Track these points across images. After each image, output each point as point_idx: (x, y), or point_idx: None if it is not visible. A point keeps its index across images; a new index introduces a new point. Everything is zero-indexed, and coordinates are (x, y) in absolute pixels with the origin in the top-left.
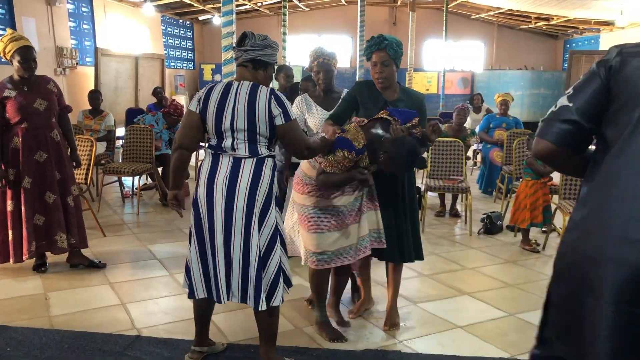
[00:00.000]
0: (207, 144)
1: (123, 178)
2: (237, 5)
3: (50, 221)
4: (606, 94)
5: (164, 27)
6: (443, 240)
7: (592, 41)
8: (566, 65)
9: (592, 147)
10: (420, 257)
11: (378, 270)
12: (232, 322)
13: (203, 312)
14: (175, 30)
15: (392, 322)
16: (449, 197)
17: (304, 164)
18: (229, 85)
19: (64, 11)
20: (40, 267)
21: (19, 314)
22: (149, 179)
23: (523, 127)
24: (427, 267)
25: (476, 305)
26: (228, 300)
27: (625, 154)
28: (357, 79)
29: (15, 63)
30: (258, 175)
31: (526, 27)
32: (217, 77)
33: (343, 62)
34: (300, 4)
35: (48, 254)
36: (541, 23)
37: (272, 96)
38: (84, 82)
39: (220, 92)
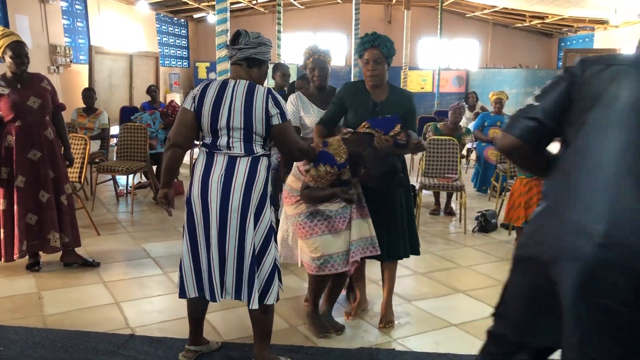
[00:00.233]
0: (201, 143)
1: (117, 176)
2: (231, 3)
3: (44, 220)
4: (568, 97)
5: (158, 25)
6: (438, 239)
7: (587, 39)
8: (561, 63)
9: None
10: (416, 251)
11: (372, 269)
12: (226, 320)
13: (197, 311)
14: (170, 28)
15: (386, 320)
16: (443, 195)
17: (289, 179)
18: (225, 84)
19: (57, 9)
20: (33, 266)
21: (12, 313)
22: (143, 177)
23: None
24: (422, 265)
25: (470, 303)
26: (222, 298)
27: (579, 151)
28: (352, 77)
29: (7, 59)
30: (253, 174)
31: (521, 25)
32: (212, 75)
33: (338, 60)
34: (295, 2)
35: (41, 253)
36: (536, 21)
37: (270, 96)
38: (77, 80)
39: (216, 91)
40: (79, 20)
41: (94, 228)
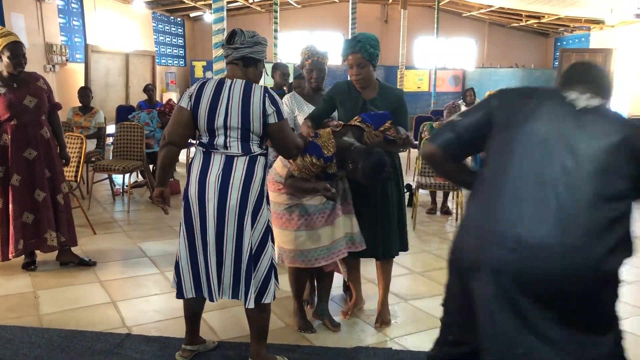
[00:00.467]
0: (197, 142)
1: (113, 175)
2: (228, 2)
3: (40, 219)
4: (488, 119)
5: (154, 24)
6: (434, 238)
7: (583, 39)
8: (557, 63)
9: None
10: (404, 248)
11: (368, 268)
12: (223, 319)
13: (193, 310)
14: (166, 27)
15: (383, 320)
16: (440, 194)
17: (277, 163)
18: (221, 83)
19: (53, 7)
20: (29, 265)
21: (8, 312)
22: (139, 176)
23: None
24: (418, 264)
25: None
26: (220, 297)
27: (498, 165)
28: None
29: (5, 59)
30: (251, 173)
31: (517, 25)
32: (209, 74)
33: (334, 59)
34: (291, 1)
35: (37, 252)
36: (532, 21)
37: (267, 95)
38: (73, 79)
39: (213, 90)
40: (75, 18)
41: (90, 227)
